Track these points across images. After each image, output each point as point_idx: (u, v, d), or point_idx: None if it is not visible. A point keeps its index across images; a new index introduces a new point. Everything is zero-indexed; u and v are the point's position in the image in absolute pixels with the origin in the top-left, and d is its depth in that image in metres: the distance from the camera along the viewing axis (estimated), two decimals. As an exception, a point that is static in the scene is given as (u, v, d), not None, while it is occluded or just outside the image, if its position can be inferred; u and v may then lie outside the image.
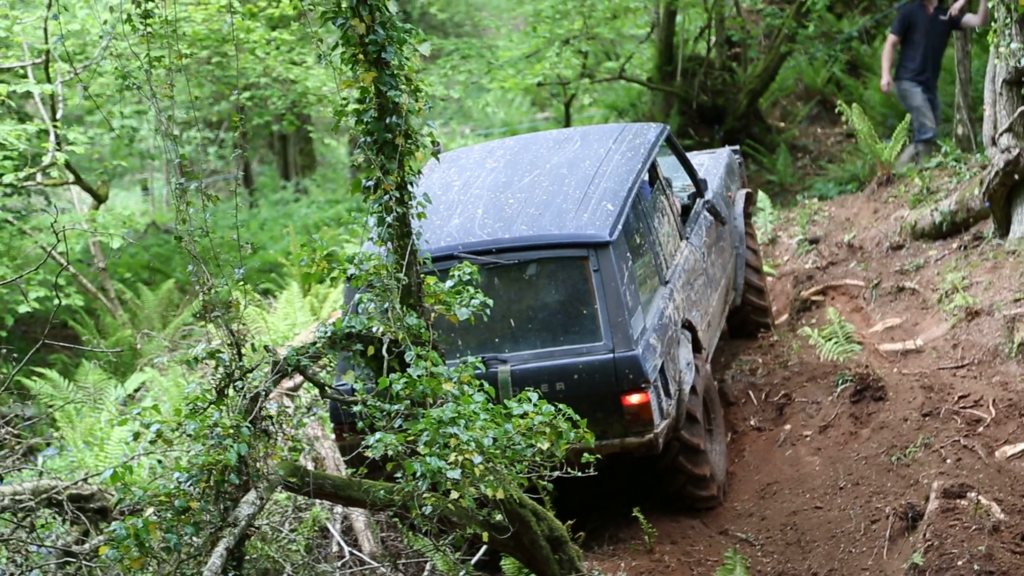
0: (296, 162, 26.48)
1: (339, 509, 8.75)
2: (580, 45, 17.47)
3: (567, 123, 19.65)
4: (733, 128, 17.51)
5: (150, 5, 6.96)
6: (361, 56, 6.58)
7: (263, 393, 6.51)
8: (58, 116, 13.37)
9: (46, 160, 13.06)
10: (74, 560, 6.77)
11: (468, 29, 25.48)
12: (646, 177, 9.33)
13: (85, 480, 7.80)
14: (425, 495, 6.14)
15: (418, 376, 6.39)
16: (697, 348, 9.15)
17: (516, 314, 8.33)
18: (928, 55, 14.40)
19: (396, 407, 6.37)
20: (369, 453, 6.20)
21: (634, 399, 8.15)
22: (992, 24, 10.88)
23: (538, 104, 24.95)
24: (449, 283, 6.99)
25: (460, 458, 6.05)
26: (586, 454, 6.71)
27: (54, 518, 7.75)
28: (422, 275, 6.94)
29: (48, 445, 10.81)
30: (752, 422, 10.05)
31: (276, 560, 7.84)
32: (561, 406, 6.58)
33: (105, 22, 12.14)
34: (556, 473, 6.66)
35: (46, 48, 12.85)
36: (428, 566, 8.22)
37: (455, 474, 6.02)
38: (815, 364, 10.41)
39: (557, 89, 19.47)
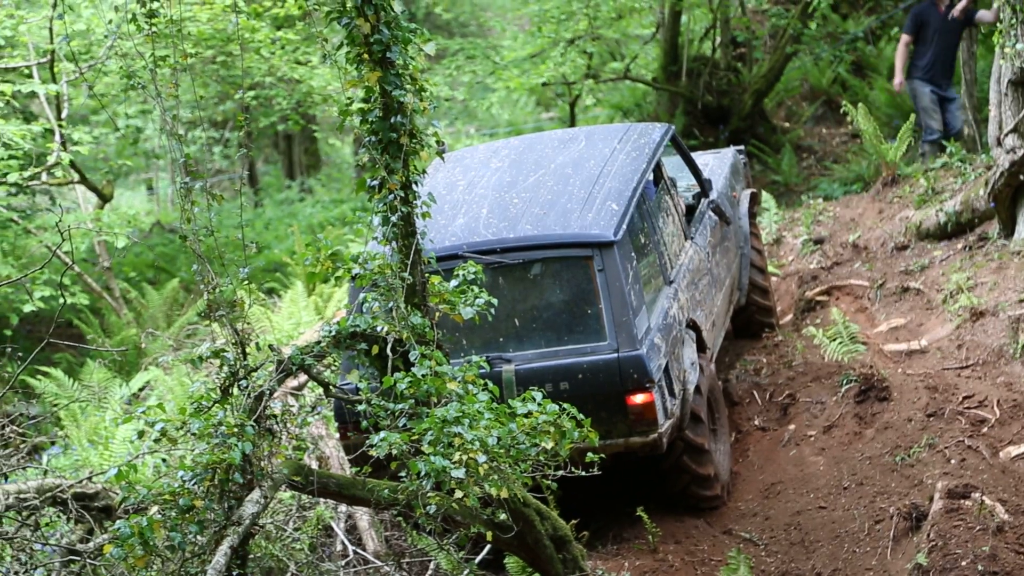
0: (301, 161, 26.48)
1: (343, 508, 8.75)
2: (585, 45, 17.47)
3: (572, 123, 19.65)
4: (738, 128, 17.51)
5: (155, 5, 6.97)
6: (366, 55, 6.59)
7: (267, 392, 6.52)
8: (63, 116, 13.39)
9: (51, 159, 13.08)
10: (78, 558, 6.77)
11: (473, 29, 25.47)
12: (651, 177, 9.33)
13: (90, 479, 7.80)
14: (429, 494, 6.15)
15: (422, 375, 6.39)
16: (701, 348, 9.14)
17: (520, 313, 8.33)
18: (938, 54, 14.36)
19: (400, 406, 6.38)
20: (373, 452, 6.21)
21: (638, 399, 8.14)
22: (998, 25, 10.87)
23: (543, 104, 24.94)
24: (454, 282, 7.00)
25: (464, 457, 6.06)
26: (590, 453, 6.71)
27: (58, 516, 7.75)
28: (427, 274, 6.94)
29: (53, 444, 10.84)
30: (756, 422, 10.05)
31: (280, 559, 7.85)
32: (565, 405, 6.58)
33: (110, 21, 12.13)
34: (560, 472, 6.66)
35: (51, 48, 12.86)
36: (432, 565, 8.23)
37: (459, 473, 6.02)
38: (819, 364, 10.41)
39: (562, 89, 19.47)
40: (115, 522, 6.51)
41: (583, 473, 6.76)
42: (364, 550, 8.51)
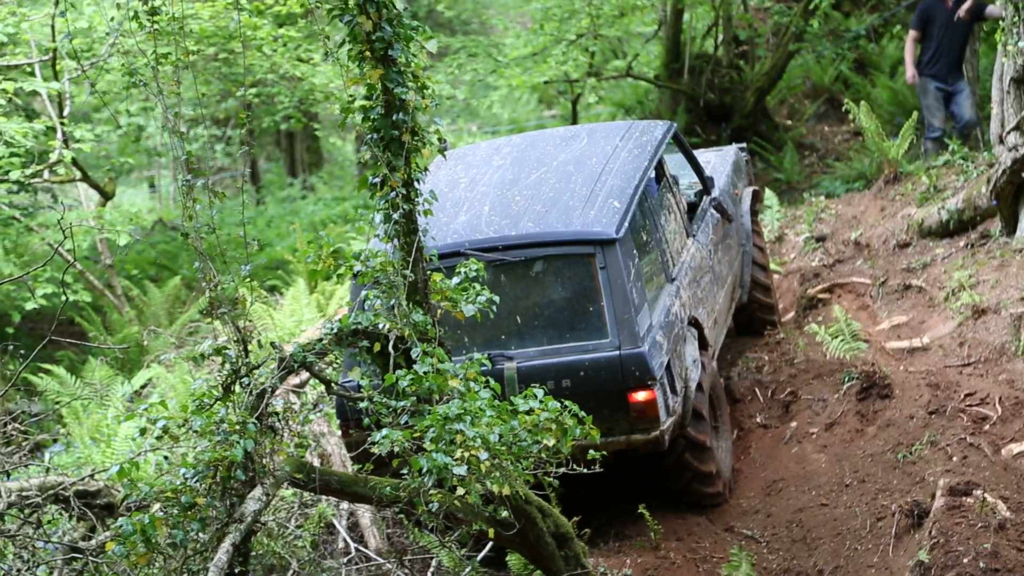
0: (303, 159, 26.48)
1: (345, 505, 8.75)
2: (587, 43, 17.46)
3: (574, 121, 19.65)
4: (740, 126, 17.50)
5: (157, 2, 6.97)
6: (368, 53, 6.59)
7: (269, 390, 6.52)
8: (65, 113, 13.39)
9: (53, 157, 13.08)
10: (80, 556, 6.77)
11: (475, 27, 25.47)
12: (653, 174, 9.33)
13: (92, 476, 7.81)
14: (431, 491, 6.16)
15: (424, 372, 6.40)
16: (703, 345, 9.14)
17: (522, 311, 8.34)
18: (942, 49, 14.33)
19: (402, 403, 6.38)
20: (375, 449, 6.21)
21: (640, 396, 8.15)
22: (1000, 23, 10.87)
23: (545, 102, 24.93)
24: (455, 280, 6.99)
25: (466, 454, 6.06)
26: (592, 451, 6.71)
27: (61, 514, 7.76)
28: (428, 272, 6.94)
29: (55, 441, 10.84)
30: (758, 419, 10.05)
31: (282, 556, 7.86)
32: (567, 403, 6.58)
33: (112, 19, 12.14)
34: (562, 470, 6.66)
35: (53, 46, 12.86)
36: (434, 562, 8.23)
37: (461, 470, 6.02)
38: (821, 362, 10.41)
39: (564, 87, 19.47)
40: (117, 520, 6.51)
41: (585, 470, 6.76)
42: (366, 547, 8.52)
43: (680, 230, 9.53)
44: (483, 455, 6.09)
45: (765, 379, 10.43)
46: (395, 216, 6.74)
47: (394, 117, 6.65)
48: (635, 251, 8.48)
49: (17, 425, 8.16)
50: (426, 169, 6.89)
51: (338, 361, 7.95)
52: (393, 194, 6.72)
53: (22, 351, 7.90)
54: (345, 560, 8.32)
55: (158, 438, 6.45)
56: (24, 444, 8.18)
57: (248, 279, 6.84)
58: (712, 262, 9.90)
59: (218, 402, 6.50)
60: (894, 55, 18.29)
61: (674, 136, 9.95)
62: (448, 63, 18.40)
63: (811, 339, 10.79)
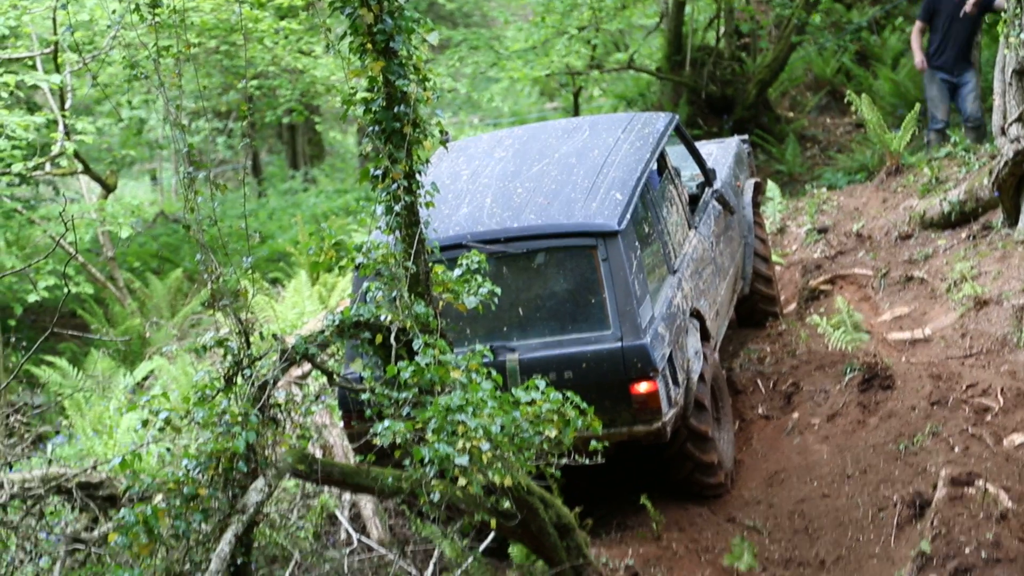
0: (305, 151, 26.49)
1: (347, 496, 8.76)
2: (589, 36, 17.45)
3: (576, 113, 19.64)
4: (742, 118, 17.49)
5: (158, -6, 6.98)
6: (369, 45, 6.59)
7: (271, 381, 6.53)
8: (67, 106, 13.40)
9: (55, 150, 13.08)
10: (83, 547, 6.80)
11: (476, 19, 25.45)
12: (655, 166, 9.33)
13: (94, 468, 7.83)
14: (433, 482, 6.16)
15: (426, 364, 6.40)
16: (705, 337, 9.15)
17: (524, 303, 8.34)
18: (947, 40, 14.27)
19: (404, 395, 6.39)
20: (377, 441, 6.22)
21: (642, 387, 8.15)
22: (1002, 14, 10.86)
23: (547, 94, 24.92)
24: (457, 272, 7.00)
25: (468, 445, 6.07)
26: (594, 442, 6.71)
27: (63, 505, 7.78)
28: (430, 264, 6.95)
29: (57, 433, 10.85)
30: (760, 410, 10.05)
31: (284, 547, 7.87)
32: (569, 394, 6.59)
33: (113, 12, 12.15)
34: (564, 460, 6.67)
35: (55, 39, 12.86)
36: (436, 553, 8.24)
37: (463, 461, 6.03)
38: (823, 353, 10.40)
39: (566, 79, 19.45)
40: (119, 511, 6.52)
41: (587, 461, 6.77)
42: (368, 538, 8.52)
43: (682, 222, 9.53)
44: (485, 446, 6.10)
45: (767, 370, 10.43)
46: (397, 208, 6.75)
47: (396, 109, 6.65)
48: (637, 243, 8.48)
49: (20, 417, 8.18)
50: (428, 161, 6.89)
51: (340, 353, 7.98)
52: (395, 186, 6.72)
53: (24, 343, 7.92)
54: (347, 551, 8.33)
55: (160, 429, 6.46)
56: (27, 436, 8.20)
57: (250, 271, 6.85)
58: (714, 254, 9.90)
59: (220, 394, 6.51)
60: (896, 47, 18.28)
61: (676, 128, 9.94)
62: (449, 56, 18.39)
63: (813, 330, 10.78)
